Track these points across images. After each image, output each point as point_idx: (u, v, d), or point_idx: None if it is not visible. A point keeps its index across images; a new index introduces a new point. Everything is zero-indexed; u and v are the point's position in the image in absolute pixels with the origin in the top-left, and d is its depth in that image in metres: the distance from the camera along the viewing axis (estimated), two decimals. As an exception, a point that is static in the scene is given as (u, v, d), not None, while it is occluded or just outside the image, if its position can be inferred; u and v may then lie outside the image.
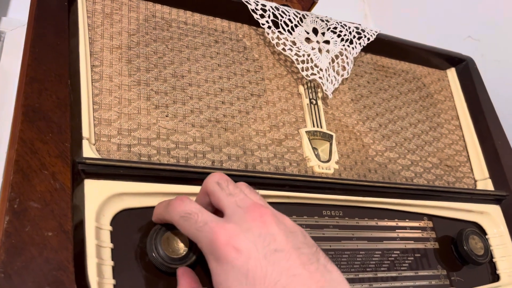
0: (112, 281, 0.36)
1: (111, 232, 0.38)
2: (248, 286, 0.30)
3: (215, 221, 0.33)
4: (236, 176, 0.44)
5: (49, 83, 0.38)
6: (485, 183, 0.61)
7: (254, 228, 0.32)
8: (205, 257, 0.33)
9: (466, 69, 0.69)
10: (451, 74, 0.70)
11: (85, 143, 0.39)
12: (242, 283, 0.30)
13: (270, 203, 0.46)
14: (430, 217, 0.55)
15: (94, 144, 0.40)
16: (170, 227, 0.38)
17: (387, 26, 0.64)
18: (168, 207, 0.35)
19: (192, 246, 0.38)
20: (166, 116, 0.45)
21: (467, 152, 0.64)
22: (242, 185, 0.37)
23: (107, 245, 0.37)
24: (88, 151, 0.38)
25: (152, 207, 0.40)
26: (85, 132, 0.39)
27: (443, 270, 0.53)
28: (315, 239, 0.47)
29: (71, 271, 0.32)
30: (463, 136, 0.66)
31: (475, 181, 0.62)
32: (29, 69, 0.38)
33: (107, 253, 0.36)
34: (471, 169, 0.63)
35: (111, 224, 0.38)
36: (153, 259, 0.37)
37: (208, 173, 0.42)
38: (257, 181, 0.45)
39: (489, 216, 0.58)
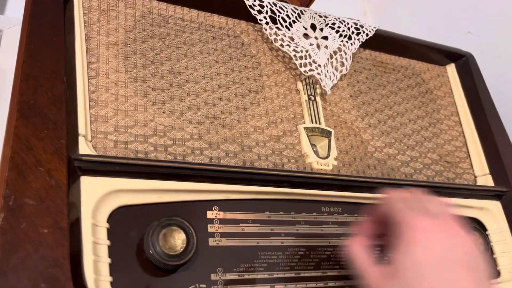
0: (109, 278, 0.36)
1: (108, 229, 0.37)
2: (418, 269, 0.34)
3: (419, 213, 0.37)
4: (234, 173, 0.43)
5: (44, 80, 0.38)
6: (485, 179, 0.61)
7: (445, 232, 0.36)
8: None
9: (466, 65, 0.69)
10: (451, 70, 0.70)
11: (81, 140, 0.38)
12: (414, 265, 0.34)
13: (268, 200, 0.46)
14: (430, 213, 0.55)
15: (90, 141, 0.40)
16: (166, 224, 0.38)
17: (386, 22, 0.63)
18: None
19: (190, 242, 0.38)
20: (163, 112, 0.45)
21: (467, 148, 0.64)
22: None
23: (104, 242, 0.36)
24: (84, 148, 0.38)
25: (149, 204, 0.40)
26: (81, 129, 0.39)
27: (443, 267, 0.53)
28: (314, 235, 0.47)
29: (67, 268, 0.32)
30: (463, 132, 0.65)
31: (475, 177, 0.62)
32: (24, 65, 0.38)
33: (103, 250, 0.36)
34: (471, 165, 0.63)
35: (107, 221, 0.38)
36: (150, 256, 0.37)
37: (206, 170, 0.42)
38: (255, 177, 0.44)
39: (489, 212, 0.58)
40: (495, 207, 0.58)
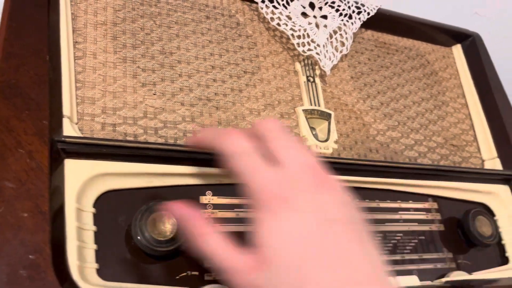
0: (95, 265, 0.34)
1: (94, 215, 0.36)
2: (293, 245, 0.26)
3: (267, 170, 0.28)
4: (227, 156, 0.42)
5: (27, 59, 0.36)
6: (493, 163, 0.58)
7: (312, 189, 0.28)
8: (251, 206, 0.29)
9: (473, 45, 0.66)
10: (457, 51, 0.67)
11: (65, 121, 0.37)
12: (286, 241, 0.26)
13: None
14: (435, 198, 0.53)
15: (76, 123, 0.38)
16: (156, 209, 0.36)
17: (389, 1, 0.61)
18: (222, 137, 0.31)
19: (180, 228, 0.36)
20: (154, 94, 0.43)
21: (474, 131, 0.62)
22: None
23: (90, 227, 0.35)
24: (69, 130, 0.36)
25: (138, 189, 0.38)
26: (66, 110, 0.37)
27: (449, 253, 0.51)
28: (313, 221, 0.45)
29: (48, 254, 0.30)
30: (469, 114, 0.63)
31: (483, 160, 0.60)
32: (5, 43, 0.36)
33: (89, 236, 0.35)
34: (478, 149, 0.60)
35: (94, 206, 0.36)
36: (138, 243, 0.35)
37: (199, 152, 0.40)
38: (250, 160, 0.42)
39: (498, 197, 0.55)
40: (503, 191, 0.56)
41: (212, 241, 0.30)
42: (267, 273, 0.26)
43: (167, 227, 0.36)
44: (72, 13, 0.42)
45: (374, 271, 0.27)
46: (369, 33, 0.61)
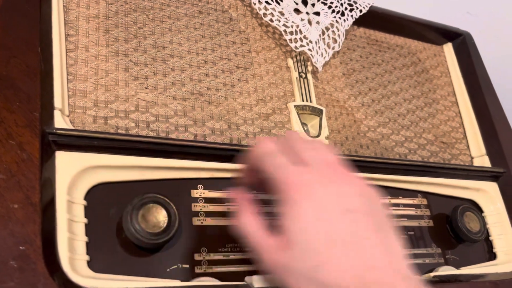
0: (86, 257, 0.34)
1: (85, 207, 0.36)
2: (314, 231, 0.28)
3: (293, 167, 0.31)
4: (219, 150, 0.42)
5: (17, 50, 0.36)
6: (482, 160, 0.59)
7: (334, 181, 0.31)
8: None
9: (464, 44, 0.67)
10: (448, 49, 0.68)
11: (57, 113, 0.37)
12: (308, 227, 0.29)
13: (256, 179, 0.44)
14: (425, 194, 0.53)
15: (68, 116, 0.38)
16: (148, 201, 0.36)
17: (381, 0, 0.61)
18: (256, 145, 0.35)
19: (171, 219, 0.36)
20: (146, 88, 0.43)
21: (464, 129, 0.62)
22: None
23: (80, 219, 0.35)
24: (60, 122, 0.36)
25: (130, 182, 0.39)
26: (57, 102, 0.37)
27: (438, 248, 0.51)
28: (303, 215, 0.45)
29: (38, 245, 0.30)
30: (459, 112, 0.64)
31: (472, 158, 0.60)
32: (-4, 35, 0.36)
33: (80, 228, 0.35)
34: (468, 146, 0.61)
35: (85, 199, 0.36)
36: (130, 235, 0.35)
37: (190, 146, 0.40)
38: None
39: (486, 194, 0.56)
40: (492, 188, 0.57)
41: (248, 221, 0.33)
42: (291, 253, 0.29)
43: (160, 218, 0.36)
44: (64, 6, 0.42)
45: (389, 259, 0.28)
46: (361, 30, 0.61)
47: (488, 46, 0.73)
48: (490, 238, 0.54)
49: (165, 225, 0.36)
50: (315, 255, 0.28)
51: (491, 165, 0.58)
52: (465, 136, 0.62)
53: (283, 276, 0.29)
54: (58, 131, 0.35)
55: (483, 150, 0.60)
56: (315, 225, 0.29)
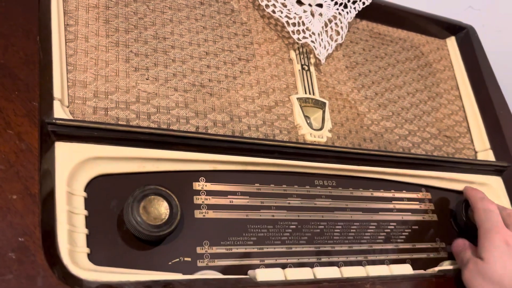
0: (86, 250, 0.33)
1: (86, 199, 0.35)
2: (502, 267, 0.42)
3: (503, 226, 0.45)
4: (221, 142, 0.41)
5: (16, 39, 0.35)
6: (486, 154, 0.58)
7: None
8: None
9: (467, 38, 0.66)
10: (451, 43, 0.67)
11: (56, 103, 0.36)
12: (499, 263, 0.42)
13: (258, 172, 0.44)
14: (429, 188, 0.53)
15: (67, 107, 0.38)
16: (149, 193, 0.36)
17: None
18: (477, 196, 0.48)
19: (173, 211, 0.35)
20: (147, 79, 0.42)
21: (467, 123, 0.62)
22: None
23: (81, 211, 0.34)
24: (60, 112, 0.36)
25: (131, 173, 0.38)
26: (56, 92, 0.36)
27: (442, 243, 0.51)
28: (306, 209, 0.45)
29: (38, 237, 0.30)
30: (463, 106, 0.63)
31: (476, 152, 0.60)
32: (-6, 24, 0.35)
33: (80, 220, 0.34)
34: (472, 140, 0.60)
35: (85, 190, 0.35)
36: (131, 227, 0.35)
37: (192, 138, 0.40)
38: (244, 146, 0.42)
39: (490, 188, 0.55)
40: (496, 182, 0.56)
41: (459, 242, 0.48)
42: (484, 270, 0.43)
43: (162, 210, 0.35)
44: (63, -5, 0.41)
45: None
46: (364, 23, 0.61)
47: (491, 41, 0.72)
48: (495, 232, 0.53)
49: (166, 217, 0.35)
50: (498, 281, 0.42)
51: (495, 159, 0.58)
52: (468, 130, 0.61)
53: (479, 284, 0.42)
54: (57, 122, 0.34)
55: (487, 144, 0.59)
56: (504, 264, 0.42)
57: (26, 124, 0.32)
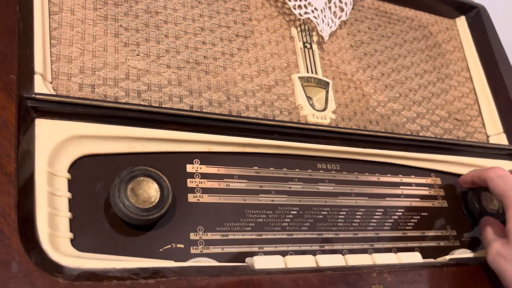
0: (69, 235, 0.31)
1: (69, 180, 0.33)
2: None
3: None
4: (217, 121, 0.38)
5: (-7, 8, 0.33)
6: (499, 138, 0.55)
7: None
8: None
9: (478, 17, 0.63)
10: (461, 23, 0.64)
11: (37, 78, 0.33)
12: None
13: (257, 154, 0.41)
14: (438, 173, 0.50)
15: (51, 83, 0.35)
16: (138, 174, 0.33)
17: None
18: (486, 169, 0.44)
19: (163, 194, 0.33)
20: (137, 55, 0.40)
21: (479, 106, 0.59)
22: None
23: (63, 194, 0.32)
24: (41, 87, 0.33)
25: (119, 154, 0.35)
26: (38, 66, 0.34)
27: (453, 231, 0.48)
28: (308, 194, 0.42)
29: (13, 219, 0.27)
30: (474, 88, 0.60)
31: (488, 136, 0.57)
32: (-30, -8, 0.33)
33: (63, 203, 0.31)
34: (483, 124, 0.57)
35: (69, 171, 0.33)
36: (118, 211, 0.32)
37: (186, 116, 0.37)
38: (242, 126, 0.39)
39: (504, 173, 0.52)
40: (509, 167, 0.53)
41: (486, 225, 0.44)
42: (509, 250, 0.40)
43: (151, 192, 0.33)
44: (47, -35, 0.39)
45: None
46: (369, 1, 0.58)
47: (503, 21, 0.69)
48: (508, 220, 0.51)
49: (156, 200, 0.33)
50: None
51: (509, 143, 0.55)
52: (480, 113, 0.58)
53: (502, 265, 0.39)
54: (37, 97, 0.32)
55: (500, 127, 0.56)
56: None
57: (2, 98, 0.30)
